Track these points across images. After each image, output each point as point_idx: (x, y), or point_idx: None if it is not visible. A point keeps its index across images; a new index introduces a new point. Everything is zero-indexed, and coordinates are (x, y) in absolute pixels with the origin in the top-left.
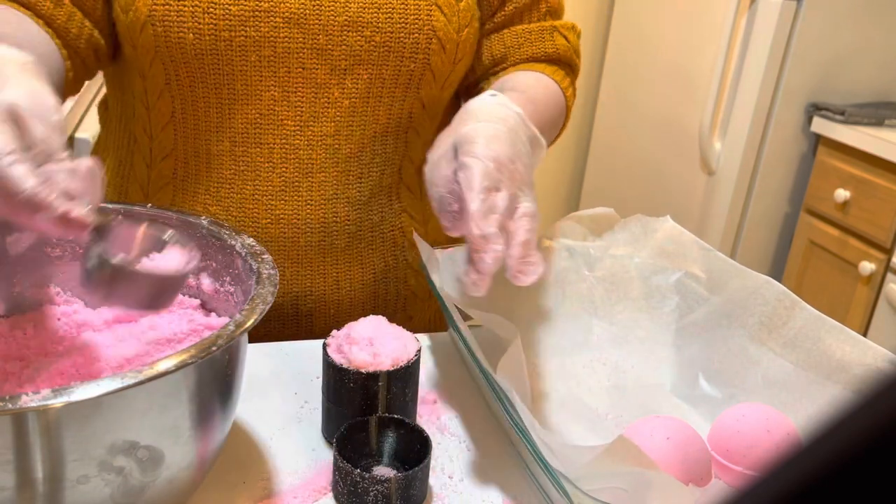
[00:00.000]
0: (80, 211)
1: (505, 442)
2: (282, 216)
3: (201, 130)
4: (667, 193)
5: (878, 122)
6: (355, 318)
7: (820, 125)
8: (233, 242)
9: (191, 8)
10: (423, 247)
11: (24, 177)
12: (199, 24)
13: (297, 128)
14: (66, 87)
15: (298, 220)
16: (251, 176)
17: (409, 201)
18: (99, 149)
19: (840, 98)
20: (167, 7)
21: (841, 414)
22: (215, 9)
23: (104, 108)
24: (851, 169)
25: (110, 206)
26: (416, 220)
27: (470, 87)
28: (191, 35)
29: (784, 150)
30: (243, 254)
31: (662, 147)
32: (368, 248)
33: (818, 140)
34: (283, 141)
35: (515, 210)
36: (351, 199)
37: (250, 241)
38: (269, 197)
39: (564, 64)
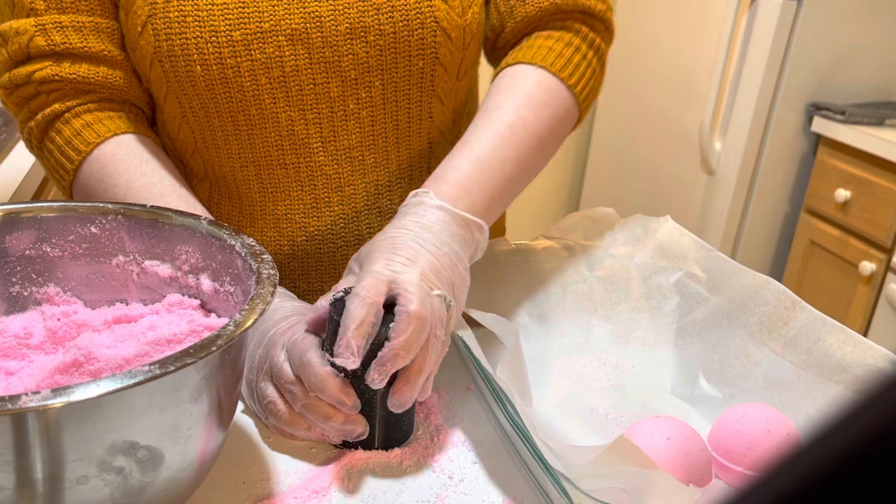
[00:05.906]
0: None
1: (505, 442)
2: (316, 233)
3: (223, 158)
4: (667, 193)
5: (879, 122)
6: None
7: (820, 125)
8: (233, 242)
9: (194, 40)
10: None
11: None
12: (205, 54)
13: (320, 145)
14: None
15: (333, 235)
16: (281, 197)
17: None
18: None
19: (840, 98)
20: (170, 42)
21: (841, 414)
22: (217, 37)
23: None
24: (852, 169)
25: (110, 205)
26: None
27: (496, 52)
28: (198, 67)
29: (784, 150)
30: (243, 254)
31: (662, 147)
32: None
33: (818, 140)
34: (308, 159)
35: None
36: (383, 209)
37: (250, 241)
38: (302, 215)
39: (575, 14)
